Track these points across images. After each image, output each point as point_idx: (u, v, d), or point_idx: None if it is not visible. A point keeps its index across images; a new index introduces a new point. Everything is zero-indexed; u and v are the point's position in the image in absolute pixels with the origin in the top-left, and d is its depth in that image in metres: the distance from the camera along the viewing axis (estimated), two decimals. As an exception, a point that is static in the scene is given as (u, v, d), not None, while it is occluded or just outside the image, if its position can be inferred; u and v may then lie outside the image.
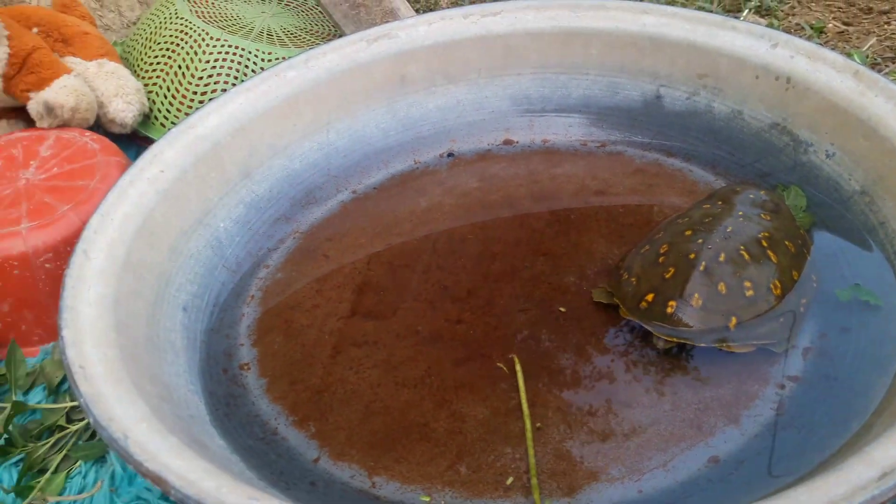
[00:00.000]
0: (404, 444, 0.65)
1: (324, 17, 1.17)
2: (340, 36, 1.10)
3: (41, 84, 0.93)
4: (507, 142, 1.03)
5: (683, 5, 1.51)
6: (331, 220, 0.96)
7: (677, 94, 0.94)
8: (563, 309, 0.75)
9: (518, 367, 0.70)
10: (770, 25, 1.36)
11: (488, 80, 1.03)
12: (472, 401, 0.68)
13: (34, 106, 0.93)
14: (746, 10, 1.46)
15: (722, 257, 0.68)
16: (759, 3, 1.53)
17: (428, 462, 0.63)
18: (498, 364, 0.71)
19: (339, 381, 0.73)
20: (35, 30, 1.00)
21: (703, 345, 0.67)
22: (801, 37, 0.98)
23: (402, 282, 0.84)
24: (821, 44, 1.00)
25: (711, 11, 1.45)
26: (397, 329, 0.78)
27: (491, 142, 1.03)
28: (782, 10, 1.45)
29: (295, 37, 1.10)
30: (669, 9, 0.94)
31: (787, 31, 1.38)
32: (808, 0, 1.51)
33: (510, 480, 0.61)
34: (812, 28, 1.37)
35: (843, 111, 0.81)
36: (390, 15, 1.06)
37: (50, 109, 0.92)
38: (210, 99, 1.02)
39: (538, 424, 0.65)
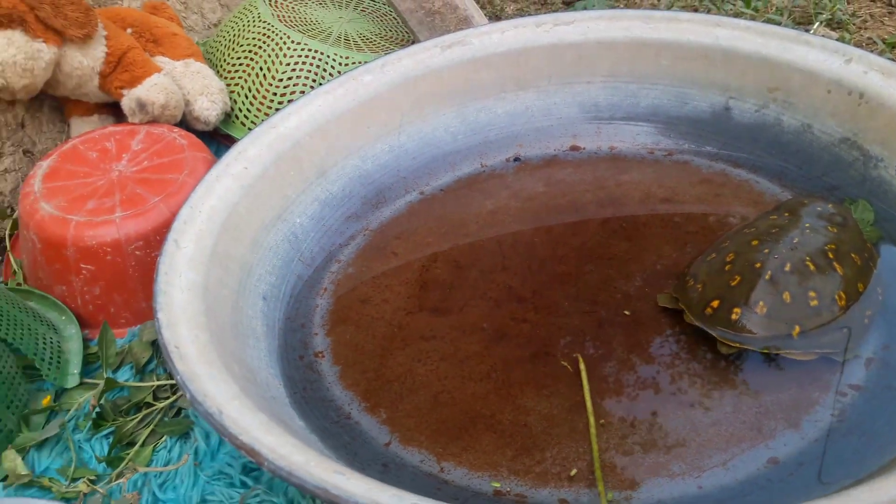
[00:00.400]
0: (471, 434, 0.68)
1: (398, 23, 1.21)
2: (415, 42, 1.14)
3: (134, 82, 0.99)
4: (574, 148, 1.05)
5: (753, 17, 1.51)
6: (399, 220, 0.99)
7: (746, 107, 0.95)
8: (627, 312, 0.77)
9: (582, 366, 0.72)
10: (841, 39, 1.36)
11: (558, 87, 1.05)
12: (536, 396, 0.71)
13: (127, 102, 0.98)
14: (817, 23, 1.46)
15: (787, 267, 0.69)
16: (830, 17, 1.52)
17: (494, 451, 0.66)
18: (562, 362, 0.73)
19: (408, 372, 0.76)
20: (129, 30, 1.06)
21: (765, 351, 0.68)
22: (872, 52, 0.98)
23: (468, 281, 0.87)
24: (893, 59, 1.00)
25: (781, 24, 1.45)
26: (463, 325, 0.81)
27: (558, 147, 1.05)
28: (854, 24, 1.44)
29: (371, 42, 1.14)
30: (742, 22, 0.95)
31: (859, 45, 1.37)
32: (880, 14, 1.50)
33: (574, 472, 0.64)
34: (885, 43, 1.36)
35: (916, 128, 0.81)
36: (464, 22, 1.09)
37: (142, 106, 0.97)
38: (289, 100, 1.07)
39: (601, 421, 0.67)
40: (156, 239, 0.85)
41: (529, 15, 1.94)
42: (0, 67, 0.89)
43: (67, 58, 0.96)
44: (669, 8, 1.70)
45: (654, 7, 1.82)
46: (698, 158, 0.98)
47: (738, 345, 0.69)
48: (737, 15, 1.59)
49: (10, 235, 1.00)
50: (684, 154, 0.99)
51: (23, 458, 0.74)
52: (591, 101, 1.05)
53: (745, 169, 0.94)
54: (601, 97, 1.04)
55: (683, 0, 1.75)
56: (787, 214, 0.77)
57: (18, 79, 0.91)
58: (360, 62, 1.08)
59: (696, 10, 1.73)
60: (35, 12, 0.90)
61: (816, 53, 0.89)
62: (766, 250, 0.71)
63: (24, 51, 0.90)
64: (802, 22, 1.53)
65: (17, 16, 0.89)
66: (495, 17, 1.96)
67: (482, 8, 1.99)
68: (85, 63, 0.97)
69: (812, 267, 0.70)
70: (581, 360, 0.73)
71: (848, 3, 1.53)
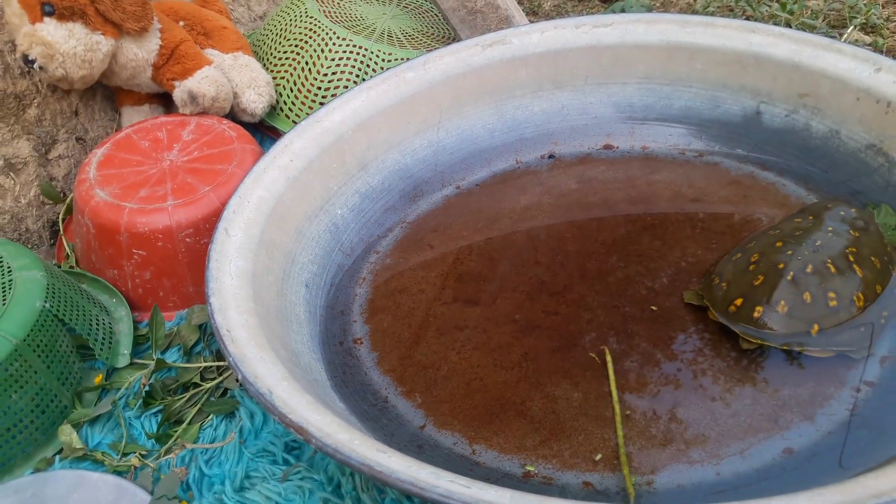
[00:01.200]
0: (502, 419, 0.72)
1: (440, 19, 1.24)
2: (456, 39, 1.17)
3: (185, 74, 1.03)
4: (608, 146, 1.08)
5: (788, 21, 1.52)
6: (435, 213, 1.03)
7: (777, 111, 0.97)
8: (654, 308, 0.80)
9: (609, 358, 0.75)
10: (875, 44, 1.37)
11: (594, 88, 1.08)
12: (565, 386, 0.74)
13: (179, 94, 1.03)
14: (852, 27, 1.47)
15: (809, 268, 0.72)
16: (864, 21, 1.53)
17: (523, 436, 0.70)
18: (590, 354, 0.77)
19: (442, 360, 0.80)
20: (181, 23, 1.11)
21: (785, 348, 0.71)
22: (906, 58, 0.99)
23: (501, 274, 0.90)
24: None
25: (816, 27, 1.46)
26: (496, 316, 0.84)
27: (592, 146, 1.08)
28: (888, 29, 1.45)
29: (413, 39, 1.18)
30: (777, 29, 0.97)
31: (893, 49, 1.38)
32: (917, 18, 1.50)
33: (599, 456, 0.67)
34: (919, 48, 1.36)
35: (942, 137, 0.83)
36: (505, 22, 1.12)
37: (193, 98, 1.02)
38: (332, 95, 1.11)
39: (627, 411, 0.70)
40: (205, 227, 0.89)
41: (566, 10, 1.96)
42: (61, 58, 0.93)
43: (123, 49, 1.00)
44: (705, 9, 1.72)
45: (690, 6, 1.83)
46: (728, 160, 1.00)
47: (759, 341, 0.71)
48: (772, 17, 1.60)
49: (64, 219, 1.05)
50: (715, 156, 1.01)
51: (77, 433, 0.79)
52: (625, 101, 1.07)
53: (773, 172, 0.96)
54: (636, 98, 1.07)
55: (720, 0, 1.76)
56: (811, 217, 0.79)
57: (77, 69, 0.95)
58: (402, 58, 1.11)
59: (731, 11, 1.74)
60: (95, 5, 0.95)
61: (847, 62, 0.91)
62: (790, 252, 0.74)
63: (84, 43, 0.94)
64: (837, 25, 1.54)
65: (79, 9, 0.93)
66: (532, 12, 1.98)
67: (519, 3, 2.02)
68: (140, 55, 1.02)
69: (833, 269, 0.72)
70: (608, 352, 0.76)
71: (883, 8, 1.53)
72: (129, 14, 0.96)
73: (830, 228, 0.76)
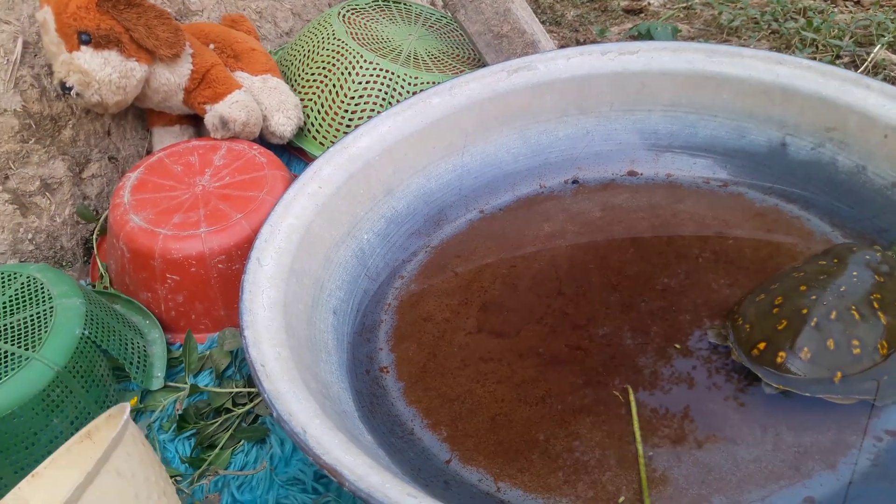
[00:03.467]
0: (526, 456, 0.73)
1: (465, 40, 1.25)
2: (482, 62, 1.18)
3: (216, 98, 1.05)
4: (632, 173, 1.09)
5: (814, 40, 1.52)
6: (459, 237, 1.04)
7: (803, 144, 0.98)
8: (678, 346, 0.81)
9: (632, 397, 0.77)
10: (902, 67, 1.36)
11: (619, 114, 1.09)
12: (588, 424, 0.75)
13: (210, 118, 1.05)
14: (879, 46, 1.46)
15: (833, 315, 0.73)
16: (893, 39, 1.52)
17: (548, 474, 0.71)
18: (614, 392, 0.78)
19: (467, 393, 0.81)
20: (212, 46, 1.12)
21: (807, 394, 0.72)
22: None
23: (525, 304, 0.92)
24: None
25: (842, 46, 1.46)
26: (520, 349, 0.86)
27: (616, 172, 1.09)
28: (917, 51, 1.44)
29: (439, 61, 1.19)
30: (804, 61, 0.97)
31: (920, 73, 1.37)
32: (945, 39, 1.50)
33: (622, 499, 0.69)
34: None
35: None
36: (531, 46, 1.13)
37: (224, 123, 1.03)
38: (359, 117, 1.12)
39: (649, 452, 0.72)
40: (236, 253, 0.91)
41: (589, 20, 1.96)
42: (97, 85, 0.96)
43: (156, 75, 1.02)
44: (730, 22, 1.72)
45: (714, 19, 1.83)
46: (752, 191, 1.01)
47: (781, 387, 0.72)
48: (798, 33, 1.60)
49: (97, 238, 1.08)
50: (739, 186, 1.02)
51: (112, 453, 0.81)
52: (650, 128, 1.08)
53: (798, 205, 0.97)
54: (661, 125, 1.08)
55: (745, 14, 1.76)
56: (835, 260, 0.80)
57: (112, 95, 0.98)
58: (428, 82, 1.12)
59: (756, 23, 1.74)
60: (130, 33, 0.97)
61: (875, 97, 0.91)
62: (814, 297, 0.75)
63: (119, 70, 0.96)
64: (864, 43, 1.54)
65: (115, 37, 0.95)
66: (555, 22, 1.99)
67: (543, 13, 2.02)
68: (172, 80, 1.03)
69: (857, 315, 0.73)
70: (631, 391, 0.77)
71: (911, 28, 1.52)
72: (162, 41, 0.98)
73: (855, 273, 0.77)
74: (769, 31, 1.68)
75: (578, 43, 1.82)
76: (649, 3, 1.96)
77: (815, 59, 1.48)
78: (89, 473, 0.53)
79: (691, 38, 1.73)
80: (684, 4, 1.92)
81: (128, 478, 0.55)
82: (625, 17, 1.96)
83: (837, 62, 1.45)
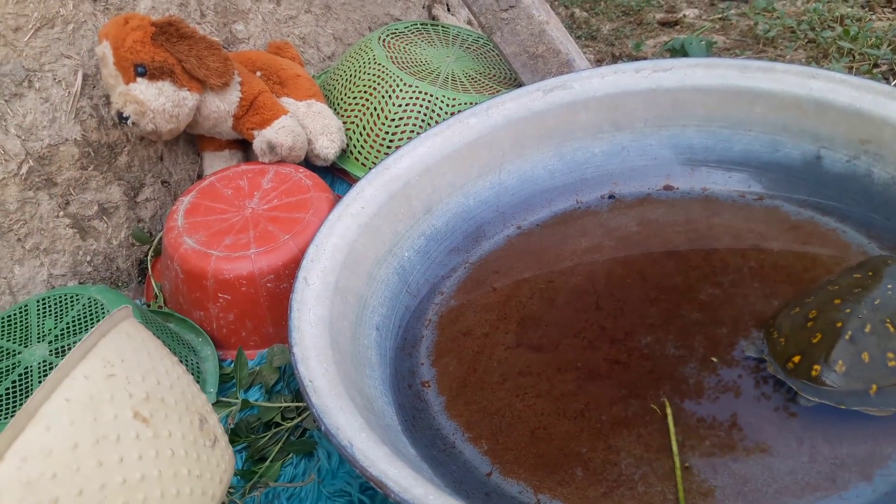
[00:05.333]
0: (565, 469, 0.76)
1: (501, 60, 1.28)
2: (518, 82, 1.21)
3: (264, 124, 1.10)
4: (668, 187, 1.10)
5: (851, 50, 1.51)
6: (497, 254, 1.07)
7: (837, 157, 0.99)
8: (714, 359, 0.83)
9: (669, 410, 0.78)
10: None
11: (653, 130, 1.11)
12: (626, 437, 0.77)
13: (258, 144, 1.09)
14: (918, 56, 1.46)
15: (868, 328, 0.74)
16: (932, 48, 1.51)
17: (587, 486, 0.74)
18: (651, 405, 0.80)
19: (507, 407, 0.84)
20: (259, 73, 1.17)
21: (843, 407, 0.73)
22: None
23: (563, 319, 0.94)
24: None
25: (879, 54, 1.45)
26: (558, 363, 0.88)
27: (651, 186, 1.11)
28: (957, 59, 1.43)
29: (475, 81, 1.22)
30: (837, 75, 0.98)
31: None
32: None
33: (659, 512, 0.71)
34: None
35: None
36: (566, 66, 1.15)
37: (272, 148, 1.08)
38: (399, 139, 1.16)
39: (686, 464, 0.73)
40: (284, 272, 0.95)
41: (625, 34, 1.98)
42: (152, 114, 1.01)
43: (207, 102, 1.07)
44: (766, 33, 1.72)
45: (750, 29, 1.83)
46: (788, 204, 1.02)
47: (817, 399, 0.74)
48: (835, 42, 1.59)
49: (151, 259, 1.13)
50: (774, 199, 1.03)
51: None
52: (685, 143, 1.10)
53: (833, 217, 0.98)
54: (695, 140, 1.09)
55: (781, 24, 1.76)
56: (870, 273, 0.81)
57: (166, 124, 1.03)
58: (465, 103, 1.16)
59: (793, 32, 1.74)
60: (182, 64, 1.02)
61: (909, 110, 0.92)
62: (848, 310, 0.76)
63: (173, 99, 1.01)
64: (903, 52, 1.53)
65: (168, 68, 1.00)
66: (590, 36, 2.01)
67: (578, 27, 2.04)
68: (221, 107, 1.08)
69: (892, 328, 0.74)
70: (668, 404, 0.79)
71: (951, 36, 1.51)
72: (212, 71, 1.03)
73: (890, 286, 0.77)
74: (806, 40, 1.68)
75: (614, 57, 1.84)
76: (685, 16, 1.97)
77: (851, 68, 1.48)
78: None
79: (727, 50, 1.74)
80: (719, 15, 1.93)
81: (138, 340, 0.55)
82: (660, 29, 1.97)
83: (875, 71, 1.45)
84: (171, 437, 0.50)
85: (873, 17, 1.73)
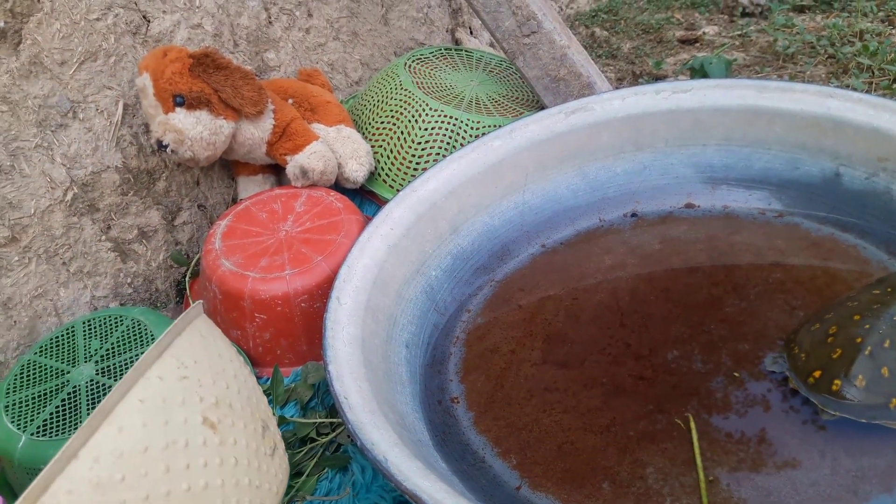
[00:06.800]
0: (592, 483, 0.78)
1: (524, 83, 1.31)
2: (540, 104, 1.24)
3: (296, 149, 1.14)
4: (689, 205, 1.13)
5: (870, 66, 1.53)
6: (522, 272, 1.10)
7: (856, 174, 1.01)
8: (737, 374, 0.85)
9: (692, 425, 0.80)
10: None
11: (674, 149, 1.13)
12: (651, 451, 0.80)
13: (291, 168, 1.13)
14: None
15: (887, 343, 0.75)
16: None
17: (614, 500, 0.76)
18: (676, 420, 0.82)
19: (534, 422, 0.87)
20: (290, 100, 1.21)
21: (864, 420, 0.75)
22: None
23: (588, 335, 0.96)
24: None
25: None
26: (584, 379, 0.90)
27: (673, 204, 1.13)
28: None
29: (499, 104, 1.25)
30: (854, 94, 1.00)
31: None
32: None
33: (684, 524, 0.73)
34: None
35: None
36: (587, 88, 1.18)
37: (304, 172, 1.12)
38: (426, 161, 1.20)
39: (710, 477, 0.75)
40: (318, 293, 0.98)
41: (645, 52, 2.01)
42: (190, 142, 1.05)
43: (241, 130, 1.11)
44: (786, 49, 1.74)
45: (770, 45, 1.85)
46: (808, 221, 1.04)
47: (838, 413, 0.75)
48: (855, 58, 1.61)
49: (189, 280, 1.17)
50: (794, 216, 1.05)
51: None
52: (706, 162, 1.12)
53: (853, 234, 1.00)
54: (716, 159, 1.12)
55: (801, 40, 1.78)
56: (889, 290, 0.82)
57: (203, 151, 1.07)
58: (490, 125, 1.19)
59: (813, 48, 1.76)
60: (218, 94, 1.06)
61: (927, 128, 0.94)
62: (867, 326, 0.77)
63: (209, 128, 1.06)
64: (924, 67, 1.54)
65: (205, 98, 1.05)
66: (611, 55, 2.03)
67: (599, 46, 2.07)
68: (256, 134, 1.13)
69: (911, 344, 0.76)
70: (692, 419, 0.81)
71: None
72: (247, 100, 1.07)
73: (908, 302, 0.79)
74: (825, 56, 1.70)
75: (634, 75, 1.86)
76: (704, 33, 2.00)
77: (871, 83, 1.49)
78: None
79: (747, 67, 1.76)
80: (739, 32, 1.95)
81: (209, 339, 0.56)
82: (680, 47, 2.00)
83: (895, 86, 1.46)
84: (235, 444, 0.52)
85: (893, 31, 1.74)
